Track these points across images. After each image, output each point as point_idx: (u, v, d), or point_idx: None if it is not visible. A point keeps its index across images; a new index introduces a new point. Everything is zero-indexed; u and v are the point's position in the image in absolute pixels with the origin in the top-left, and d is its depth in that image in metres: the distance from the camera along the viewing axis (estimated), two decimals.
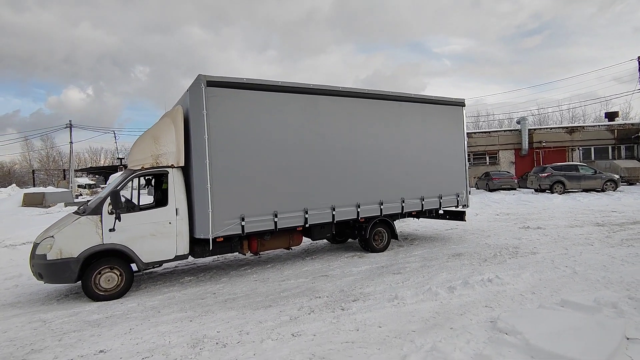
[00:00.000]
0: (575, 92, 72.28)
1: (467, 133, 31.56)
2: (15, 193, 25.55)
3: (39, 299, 6.08)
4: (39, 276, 5.66)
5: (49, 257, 5.54)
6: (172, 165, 6.38)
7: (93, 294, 5.71)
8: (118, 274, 5.86)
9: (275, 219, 6.84)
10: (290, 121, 7.10)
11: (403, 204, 8.46)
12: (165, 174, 6.36)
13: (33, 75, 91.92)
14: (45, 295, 6.25)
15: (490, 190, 24.00)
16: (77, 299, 5.91)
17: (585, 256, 7.22)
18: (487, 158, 30.94)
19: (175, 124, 6.43)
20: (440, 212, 9.90)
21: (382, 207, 8.15)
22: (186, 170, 6.56)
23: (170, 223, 6.21)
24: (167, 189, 6.36)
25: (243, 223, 6.52)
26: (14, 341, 4.41)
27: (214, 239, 6.32)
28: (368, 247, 8.34)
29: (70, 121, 36.79)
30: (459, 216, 9.70)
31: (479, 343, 3.75)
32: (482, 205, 17.01)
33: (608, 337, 3.64)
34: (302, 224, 7.18)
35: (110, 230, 5.79)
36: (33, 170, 51.28)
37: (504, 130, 31.32)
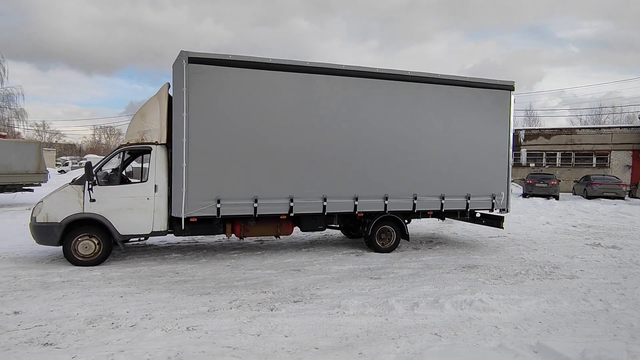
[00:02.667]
0: None
1: (570, 129, 27.18)
2: None
3: (42, 257, 6.71)
4: (32, 237, 6.23)
5: (37, 220, 6.04)
6: (156, 142, 6.43)
7: (72, 259, 6.08)
8: (96, 242, 6.15)
9: (255, 205, 6.49)
10: (281, 102, 6.62)
11: (415, 201, 7.39)
12: (149, 151, 6.45)
13: (162, 67, 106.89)
14: (49, 255, 6.87)
15: (588, 197, 20.15)
16: (66, 261, 6.35)
17: None
18: (594, 159, 26.10)
19: (160, 101, 6.46)
20: (477, 215, 8.50)
21: (386, 202, 7.21)
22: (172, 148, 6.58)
23: (148, 199, 6.30)
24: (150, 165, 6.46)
25: (218, 205, 6.31)
26: None
27: (187, 219, 6.25)
28: (372, 245, 7.50)
29: None
30: (496, 222, 8.18)
31: None
32: (562, 214, 14.33)
33: None
34: (287, 212, 6.71)
35: (91, 200, 6.08)
36: None
37: (620, 127, 26.02)
